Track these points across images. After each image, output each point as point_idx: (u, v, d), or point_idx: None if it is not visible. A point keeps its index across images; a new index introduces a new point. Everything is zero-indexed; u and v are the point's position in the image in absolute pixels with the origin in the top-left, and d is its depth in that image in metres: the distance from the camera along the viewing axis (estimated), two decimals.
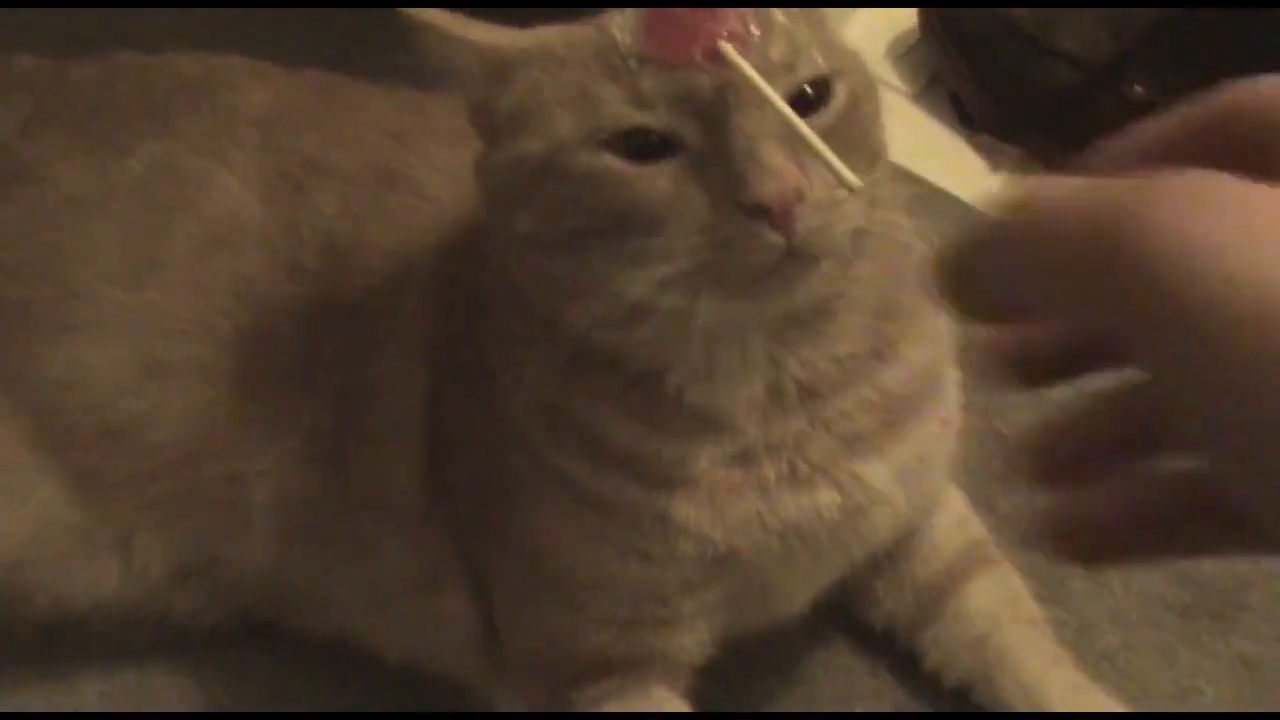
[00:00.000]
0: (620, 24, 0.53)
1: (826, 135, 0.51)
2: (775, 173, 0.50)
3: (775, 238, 0.50)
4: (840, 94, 0.54)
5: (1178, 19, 1.01)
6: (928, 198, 1.06)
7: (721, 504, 0.61)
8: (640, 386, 0.60)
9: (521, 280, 0.60)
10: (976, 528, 0.77)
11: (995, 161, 1.08)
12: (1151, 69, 1.02)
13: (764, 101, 0.50)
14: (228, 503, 0.71)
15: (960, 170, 1.08)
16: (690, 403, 0.60)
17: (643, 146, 0.52)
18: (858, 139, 0.54)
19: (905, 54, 1.16)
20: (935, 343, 0.67)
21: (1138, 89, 1.02)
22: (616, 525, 0.62)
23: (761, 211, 0.50)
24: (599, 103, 0.52)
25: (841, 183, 0.50)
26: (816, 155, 0.50)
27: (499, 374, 0.63)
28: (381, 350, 0.68)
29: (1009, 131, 1.08)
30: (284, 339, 0.70)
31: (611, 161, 0.52)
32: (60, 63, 0.81)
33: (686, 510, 0.61)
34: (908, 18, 1.15)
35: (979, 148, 1.09)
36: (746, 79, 0.50)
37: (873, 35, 1.18)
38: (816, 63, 0.53)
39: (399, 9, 0.56)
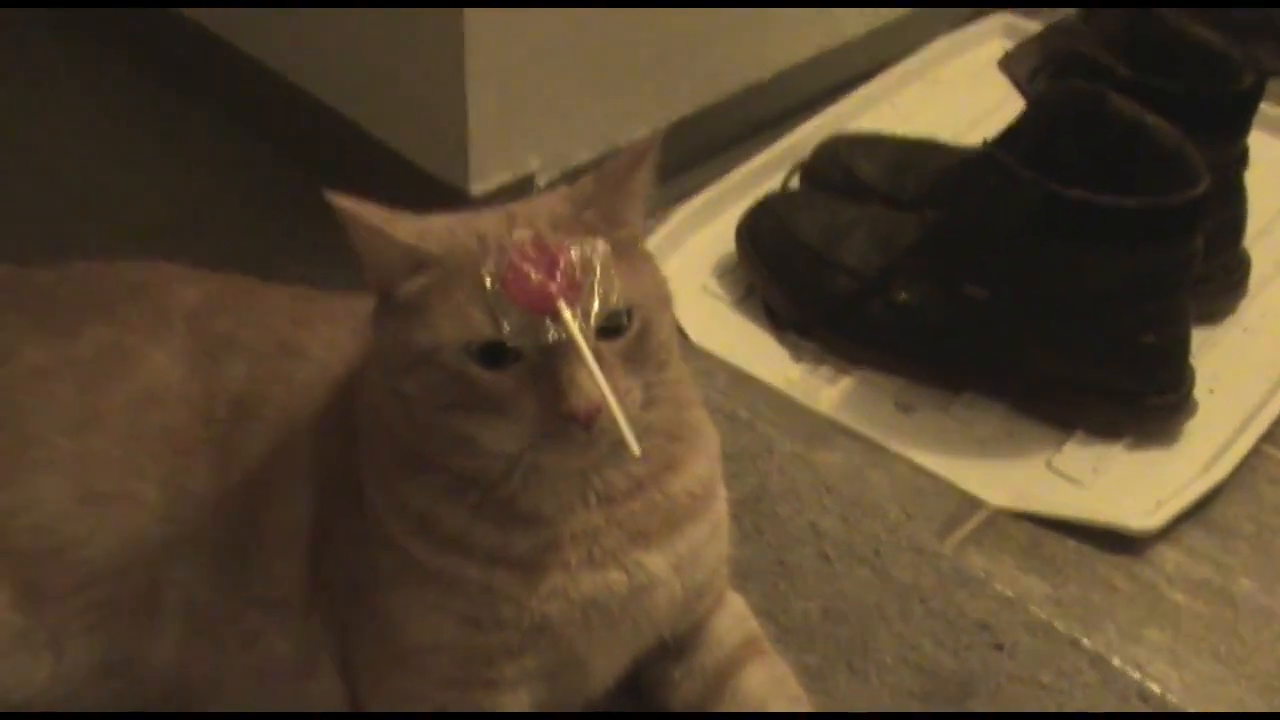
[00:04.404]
0: (489, 269, 0.74)
1: (625, 350, 0.75)
2: (586, 396, 0.73)
3: (581, 434, 0.73)
4: (637, 322, 0.77)
5: (933, 239, 1.27)
6: (744, 381, 1.29)
7: (534, 579, 0.80)
8: (473, 487, 0.79)
9: (390, 416, 0.80)
10: (753, 626, 0.95)
11: (796, 354, 1.32)
12: (913, 280, 1.27)
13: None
14: (146, 608, 0.87)
15: (770, 360, 1.32)
16: (515, 505, 0.80)
17: (496, 353, 0.74)
18: (649, 352, 0.78)
19: (727, 272, 1.41)
20: (713, 460, 0.88)
21: (903, 295, 1.27)
22: (452, 596, 0.81)
23: (574, 418, 0.72)
24: (471, 322, 0.74)
25: (625, 443, 0.73)
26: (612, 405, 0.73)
27: (366, 486, 0.83)
28: (277, 476, 0.87)
29: (806, 330, 1.33)
30: (199, 473, 0.87)
31: (473, 367, 0.74)
32: (24, 270, 1.00)
33: (507, 581, 0.80)
34: (728, 244, 1.41)
35: (784, 343, 1.34)
36: (573, 337, 0.72)
37: (701, 257, 1.43)
38: (623, 300, 0.75)
39: (332, 198, 0.73)
